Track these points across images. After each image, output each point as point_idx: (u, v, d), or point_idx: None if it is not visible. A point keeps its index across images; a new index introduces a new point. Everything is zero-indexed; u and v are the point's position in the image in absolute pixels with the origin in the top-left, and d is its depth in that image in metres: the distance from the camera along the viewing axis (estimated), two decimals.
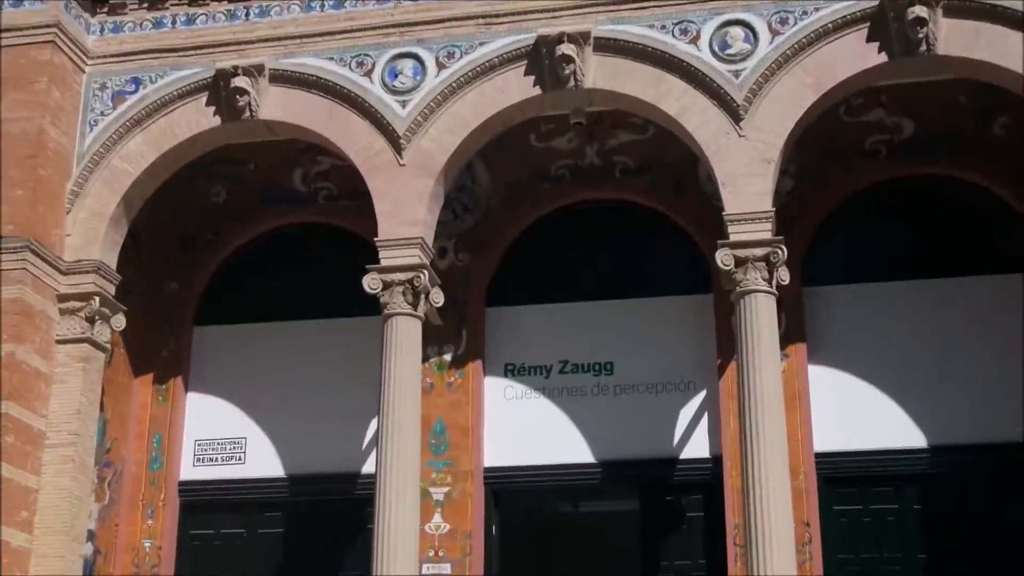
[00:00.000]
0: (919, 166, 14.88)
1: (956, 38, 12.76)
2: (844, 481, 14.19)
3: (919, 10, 12.53)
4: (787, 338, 13.93)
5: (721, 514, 14.01)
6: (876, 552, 14.05)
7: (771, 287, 12.71)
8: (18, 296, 13.11)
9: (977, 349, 14.26)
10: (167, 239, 16.41)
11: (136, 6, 14.72)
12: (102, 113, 14.43)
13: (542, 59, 13.45)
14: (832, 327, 14.66)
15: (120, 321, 14.26)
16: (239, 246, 16.49)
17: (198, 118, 14.24)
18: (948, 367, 14.26)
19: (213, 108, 14.16)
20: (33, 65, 13.95)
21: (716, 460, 14.28)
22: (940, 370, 14.29)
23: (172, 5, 14.68)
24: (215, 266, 16.48)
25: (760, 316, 12.62)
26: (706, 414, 14.65)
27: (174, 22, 14.61)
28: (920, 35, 12.64)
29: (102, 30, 14.82)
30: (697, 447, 14.62)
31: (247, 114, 13.99)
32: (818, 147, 14.56)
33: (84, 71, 14.53)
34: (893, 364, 14.38)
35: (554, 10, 13.63)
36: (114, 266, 14.24)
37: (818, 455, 14.04)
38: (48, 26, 14.03)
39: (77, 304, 13.77)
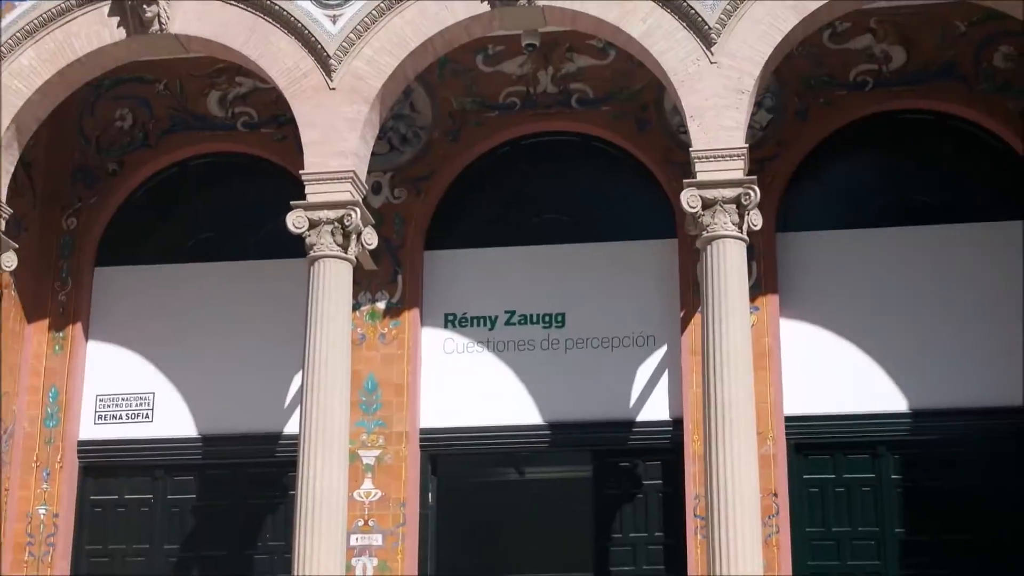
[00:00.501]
0: (910, 100, 14.79)
1: None
2: (816, 448, 14.15)
3: None
4: (758, 289, 13.89)
5: (681, 483, 13.95)
6: (849, 526, 14.05)
7: (741, 232, 12.56)
8: None
9: (969, 304, 14.31)
10: (65, 169, 15.98)
11: None
12: None
13: None
14: (808, 278, 14.59)
15: (10, 260, 13.93)
16: (146, 177, 15.88)
17: (99, 30, 13.73)
18: (935, 324, 14.28)
19: (117, 19, 13.63)
20: None
21: (677, 423, 14.16)
22: (927, 327, 14.30)
23: None
24: (119, 200, 15.89)
25: (728, 264, 12.49)
26: (667, 372, 14.57)
27: None
28: None
29: None
30: (656, 409, 14.49)
31: (156, 27, 13.48)
32: (798, 77, 14.66)
33: None
34: (874, 320, 14.37)
35: None
36: (3, 198, 13.89)
37: (788, 419, 13.97)
38: None
39: None
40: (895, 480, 13.85)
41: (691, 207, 12.33)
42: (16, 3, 13.68)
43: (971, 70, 14.37)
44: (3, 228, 13.50)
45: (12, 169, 13.79)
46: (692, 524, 13.35)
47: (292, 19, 13.19)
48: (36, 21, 13.55)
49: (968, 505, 13.61)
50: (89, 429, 15.39)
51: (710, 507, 11.81)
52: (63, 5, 13.51)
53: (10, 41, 13.62)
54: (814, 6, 12.52)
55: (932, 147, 14.71)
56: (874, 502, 13.87)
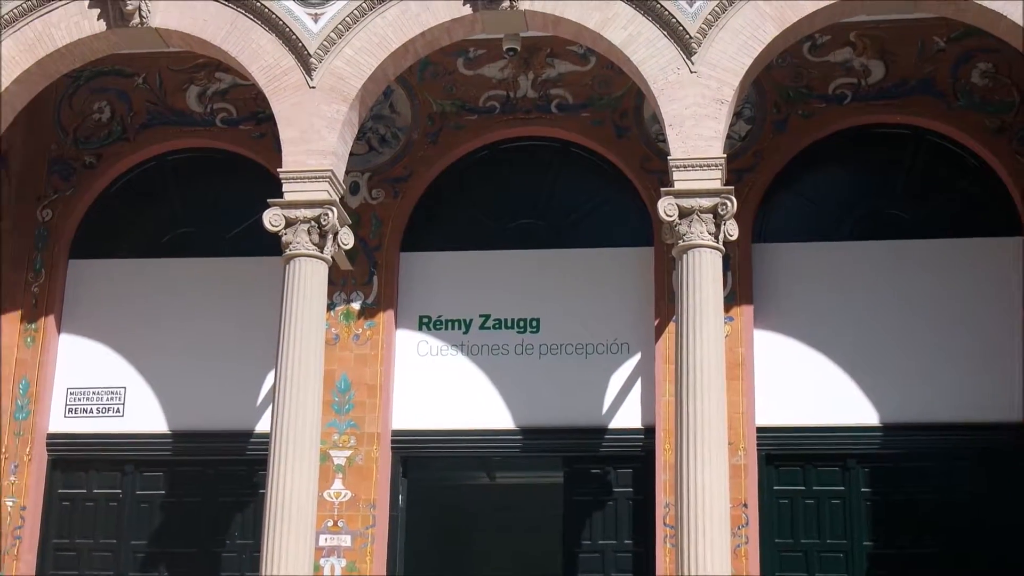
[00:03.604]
0: (888, 114, 14.86)
1: None
2: (787, 459, 14.23)
3: None
4: (732, 299, 14.01)
5: (652, 491, 13.98)
6: (818, 538, 14.11)
7: (718, 242, 12.58)
8: None
9: (942, 319, 14.40)
10: (41, 160, 15.96)
11: None
12: None
13: None
14: (783, 289, 14.63)
15: None
16: (123, 171, 15.94)
17: (80, 21, 13.72)
18: (910, 338, 14.33)
19: (98, 11, 13.61)
20: None
21: (649, 431, 14.19)
22: (900, 341, 14.35)
23: None
24: (95, 193, 15.89)
25: (704, 274, 12.52)
26: (640, 380, 14.58)
27: None
28: None
29: None
30: (628, 416, 14.52)
31: (136, 20, 13.48)
32: (777, 89, 14.74)
33: None
34: (848, 332, 14.43)
35: None
36: None
37: (760, 429, 14.06)
38: None
39: None
40: (864, 493, 13.88)
41: (668, 216, 12.35)
42: None
43: (948, 86, 14.41)
44: None
45: None
46: (661, 532, 13.36)
47: (273, 16, 13.20)
48: (16, 11, 13.49)
49: (936, 518, 13.67)
50: (59, 422, 15.33)
51: (680, 516, 11.79)
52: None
53: None
54: (794, 18, 12.57)
55: (908, 162, 14.73)
56: (843, 514, 13.86)
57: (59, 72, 14.04)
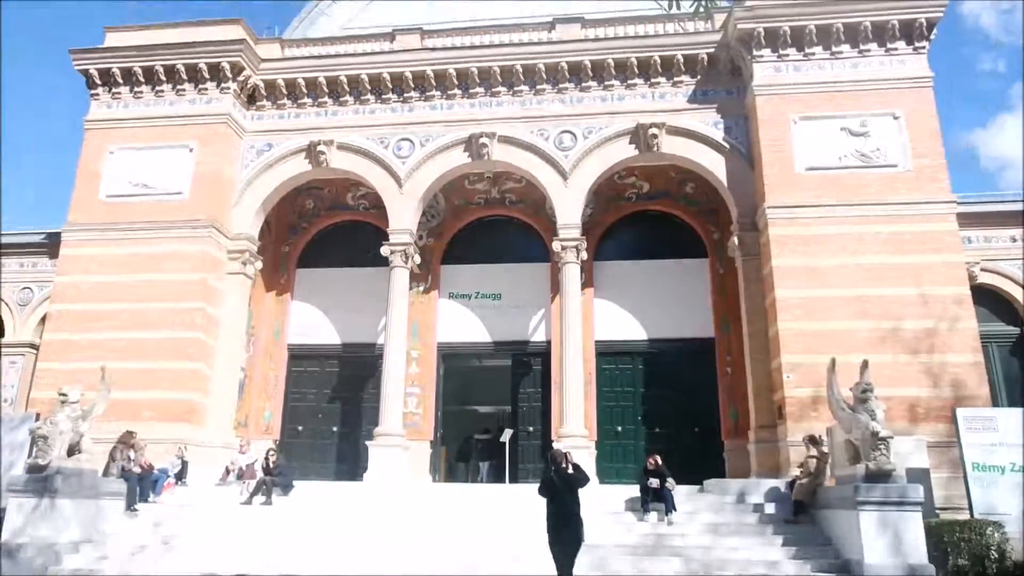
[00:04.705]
0: (651, 206, 15.55)
1: (671, 145, 13.63)
2: (609, 354, 14.84)
3: (653, 129, 13.43)
4: (584, 285, 14.49)
5: (548, 367, 14.71)
6: (620, 388, 14.76)
7: (578, 261, 13.63)
8: (208, 251, 13.57)
9: (675, 293, 14.95)
10: (283, 224, 16.50)
11: (270, 107, 14.91)
12: (250, 160, 14.70)
13: (471, 144, 14.11)
14: (607, 280, 15.22)
15: (259, 264, 14.82)
16: (319, 229, 16.48)
17: (299, 165, 14.67)
18: (660, 302, 14.94)
19: (308, 160, 14.57)
20: (216, 136, 14.28)
21: (548, 343, 14.91)
22: (656, 304, 14.95)
23: (292, 107, 14.78)
24: (307, 239, 16.44)
25: (572, 275, 13.62)
26: (544, 320, 15.20)
27: (288, 115, 14.80)
28: (654, 142, 13.55)
29: (252, 118, 15.03)
30: (540, 335, 15.19)
31: (324, 164, 14.48)
32: (603, 195, 15.25)
33: (242, 138, 14.84)
34: (633, 299, 15.04)
35: (480, 120, 14.23)
36: (256, 235, 14.66)
37: (597, 342, 14.74)
38: (223, 114, 14.40)
39: (237, 254, 14.28)
40: (640, 370, 14.67)
41: (557, 249, 13.54)
42: (264, 152, 14.47)
43: (677, 192, 15.28)
44: (256, 250, 14.43)
45: (260, 223, 14.50)
46: (554, 386, 14.05)
47: (384, 162, 14.20)
48: (272, 160, 14.38)
49: (671, 381, 14.32)
50: (294, 339, 15.43)
51: (561, 380, 13.01)
52: (283, 153, 14.45)
53: (260, 168, 14.23)
54: (610, 165, 13.72)
55: (660, 226, 15.33)
56: (632, 379, 14.66)
57: (290, 187, 14.94)
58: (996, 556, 8.23)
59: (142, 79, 14.62)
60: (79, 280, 13.54)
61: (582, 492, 6.99)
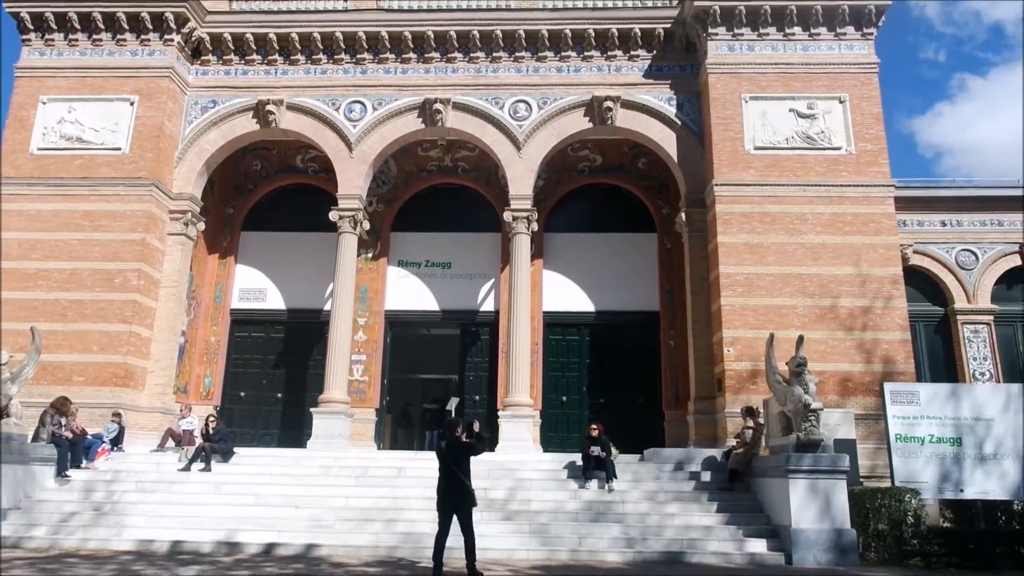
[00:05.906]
0: (603, 179, 15.61)
1: (625, 119, 13.63)
2: (556, 325, 14.96)
3: (608, 103, 13.48)
4: (534, 256, 14.54)
5: (496, 337, 14.74)
6: (566, 358, 14.82)
7: (528, 231, 13.55)
8: (148, 210, 13.10)
9: (623, 266, 15.08)
10: (228, 185, 16.09)
11: (216, 62, 14.44)
12: (194, 117, 14.20)
13: (425, 110, 13.85)
14: (556, 252, 15.27)
15: (201, 226, 14.32)
16: (265, 192, 16.13)
17: (246, 124, 14.21)
18: (609, 275, 15.07)
19: (255, 120, 14.13)
20: (159, 90, 13.72)
21: (497, 313, 14.96)
22: (605, 275, 15.06)
23: (239, 63, 14.35)
24: (253, 202, 16.07)
25: (522, 245, 13.53)
26: (494, 290, 15.19)
27: (235, 72, 14.36)
28: (608, 115, 13.54)
29: (196, 72, 14.49)
30: (488, 305, 15.18)
31: (273, 125, 14.03)
32: (555, 166, 15.24)
33: (186, 94, 14.30)
34: (582, 271, 15.12)
35: (434, 86, 13.95)
36: (199, 196, 14.17)
37: (545, 312, 14.84)
38: (167, 67, 13.83)
39: (179, 215, 13.80)
40: (587, 341, 14.81)
41: (508, 219, 13.45)
42: (209, 108, 14.03)
43: (630, 167, 15.37)
44: (198, 211, 13.89)
45: (203, 184, 14.09)
46: (501, 356, 14.09)
47: (335, 124, 13.83)
48: (217, 117, 14.01)
49: (616, 352, 14.59)
50: (236, 303, 15.10)
51: (509, 348, 13.02)
52: (229, 111, 13.99)
53: (204, 126, 13.93)
54: (564, 136, 13.63)
55: (611, 200, 15.43)
56: (579, 350, 14.77)
57: (237, 146, 14.48)
58: (912, 521, 8.67)
59: (78, 25, 13.86)
60: (7, 237, 12.88)
61: (479, 458, 7.65)
